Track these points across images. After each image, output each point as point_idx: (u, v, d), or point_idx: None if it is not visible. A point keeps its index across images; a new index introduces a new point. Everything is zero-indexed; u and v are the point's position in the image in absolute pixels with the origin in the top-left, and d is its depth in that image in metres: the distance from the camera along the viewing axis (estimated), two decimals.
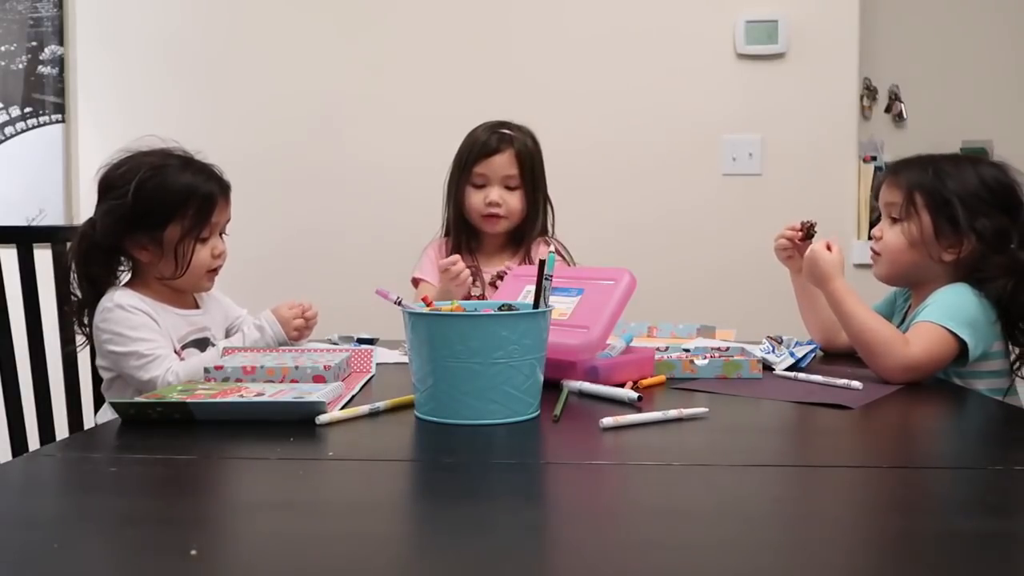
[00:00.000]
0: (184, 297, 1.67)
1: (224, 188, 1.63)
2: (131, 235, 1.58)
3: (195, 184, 1.58)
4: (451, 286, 1.80)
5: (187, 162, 1.60)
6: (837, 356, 1.68)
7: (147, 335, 1.54)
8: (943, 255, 1.53)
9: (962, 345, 1.44)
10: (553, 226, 2.07)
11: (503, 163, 1.96)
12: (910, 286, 1.64)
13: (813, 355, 1.57)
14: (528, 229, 2.00)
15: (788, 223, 1.75)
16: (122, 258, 1.63)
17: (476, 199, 1.97)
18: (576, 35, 2.68)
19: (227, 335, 1.74)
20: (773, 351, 1.54)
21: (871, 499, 0.87)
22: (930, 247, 1.53)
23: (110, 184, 1.58)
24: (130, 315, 1.55)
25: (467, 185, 1.99)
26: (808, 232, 1.70)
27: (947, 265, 1.54)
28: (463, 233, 2.03)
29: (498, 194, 1.96)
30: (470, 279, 1.82)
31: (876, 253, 1.61)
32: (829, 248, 1.55)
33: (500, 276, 1.87)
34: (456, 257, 1.83)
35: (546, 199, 2.04)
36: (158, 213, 1.56)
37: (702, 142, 2.66)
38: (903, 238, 1.55)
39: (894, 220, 1.58)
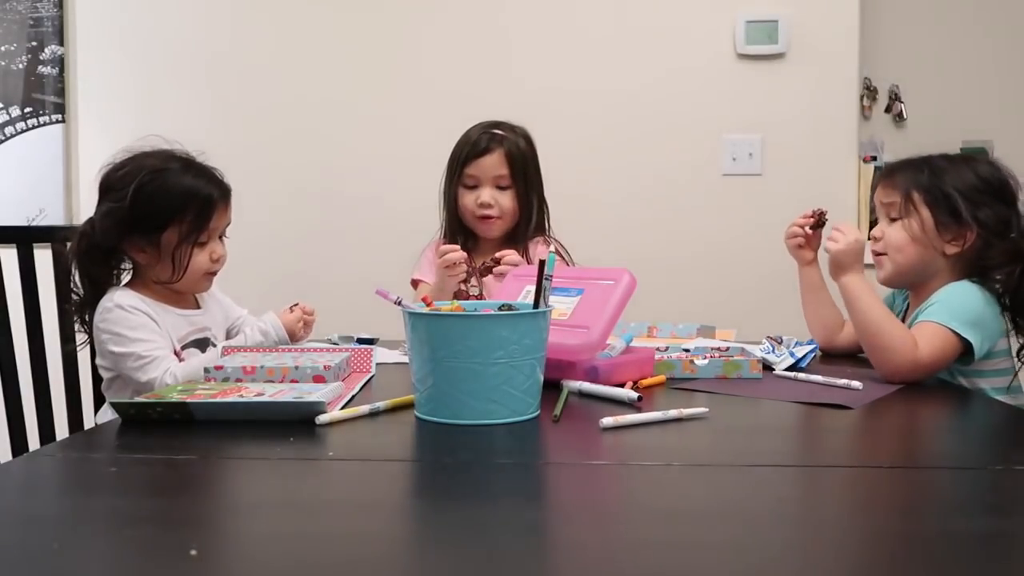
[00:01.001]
0: (185, 297, 1.67)
1: (224, 192, 1.62)
2: (129, 237, 1.57)
3: (194, 188, 1.57)
4: (445, 274, 1.81)
5: (188, 165, 1.60)
6: (837, 356, 1.68)
7: (146, 336, 1.54)
8: (946, 248, 1.54)
9: (966, 344, 1.45)
10: (549, 225, 2.07)
11: (493, 163, 1.95)
12: (915, 286, 1.63)
13: (813, 355, 1.57)
14: (523, 229, 2.00)
15: (788, 223, 1.76)
16: (121, 259, 1.63)
17: (468, 200, 1.97)
18: (576, 35, 2.68)
19: (227, 335, 1.74)
20: (773, 351, 1.54)
21: (871, 499, 0.87)
22: (933, 240, 1.54)
23: (110, 185, 1.58)
24: (129, 315, 1.55)
25: (459, 186, 1.99)
26: (819, 220, 1.70)
27: (950, 259, 1.55)
28: (459, 234, 2.02)
29: (490, 194, 1.96)
30: (464, 271, 1.82)
31: (879, 254, 1.61)
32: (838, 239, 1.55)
33: (496, 261, 1.86)
34: (456, 246, 1.85)
35: (541, 199, 2.04)
36: (156, 217, 1.55)
37: (702, 142, 2.66)
38: (905, 233, 1.56)
39: (893, 220, 1.58)
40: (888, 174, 1.63)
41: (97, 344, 1.59)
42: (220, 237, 1.65)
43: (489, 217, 1.96)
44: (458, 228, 2.03)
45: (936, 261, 1.56)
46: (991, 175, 1.56)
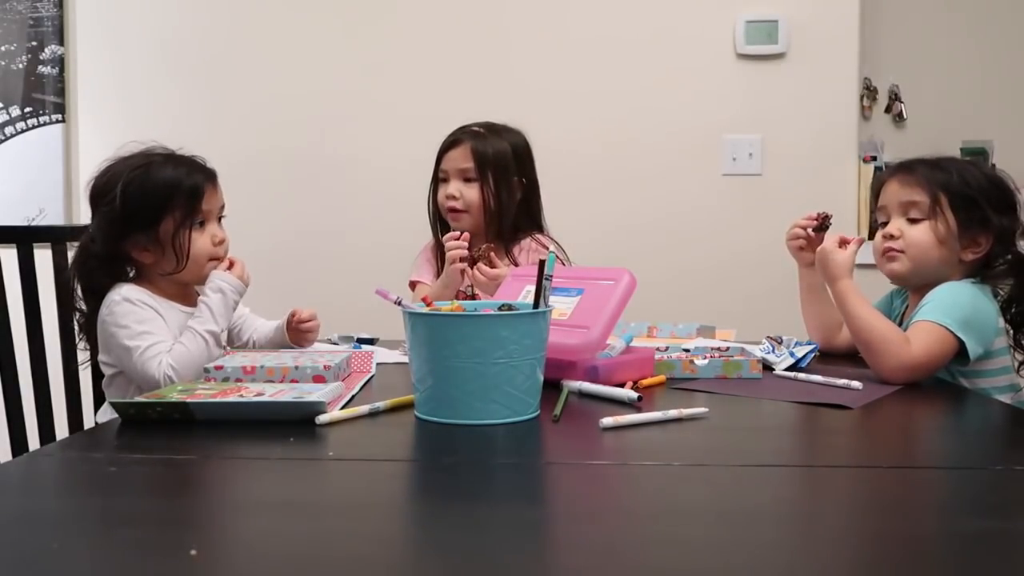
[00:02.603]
0: (188, 294, 1.67)
1: (209, 175, 1.63)
2: (129, 238, 1.58)
3: (178, 176, 1.59)
4: (449, 260, 1.85)
5: (168, 157, 1.62)
6: (836, 356, 1.68)
7: (152, 329, 1.54)
8: (963, 254, 1.55)
9: (962, 344, 1.45)
10: (542, 222, 2.06)
11: (458, 156, 1.98)
12: (921, 288, 1.62)
13: (813, 355, 1.57)
14: (504, 225, 1.99)
15: (788, 223, 1.75)
16: (124, 266, 1.63)
17: (440, 194, 2.01)
18: (576, 35, 2.68)
19: (229, 335, 1.74)
20: (773, 351, 1.54)
21: (871, 499, 0.87)
22: (953, 247, 1.54)
23: (99, 193, 1.59)
24: (137, 309, 1.55)
25: (438, 181, 2.02)
26: (823, 223, 1.70)
27: (963, 265, 1.55)
28: (442, 230, 2.04)
29: (455, 187, 1.98)
30: (462, 261, 1.83)
31: (896, 251, 1.58)
32: (843, 245, 1.57)
33: (487, 250, 1.85)
34: (457, 233, 1.87)
35: (535, 197, 2.03)
36: (149, 210, 1.57)
37: (702, 142, 2.66)
38: (932, 235, 1.55)
39: (913, 220, 1.57)
40: (906, 170, 1.60)
41: (102, 339, 1.59)
42: (219, 221, 1.65)
43: (455, 209, 1.98)
44: (439, 224, 2.05)
45: (952, 266, 1.56)
46: (1000, 180, 1.57)
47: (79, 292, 1.61)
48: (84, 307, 1.62)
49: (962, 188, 1.54)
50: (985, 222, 1.53)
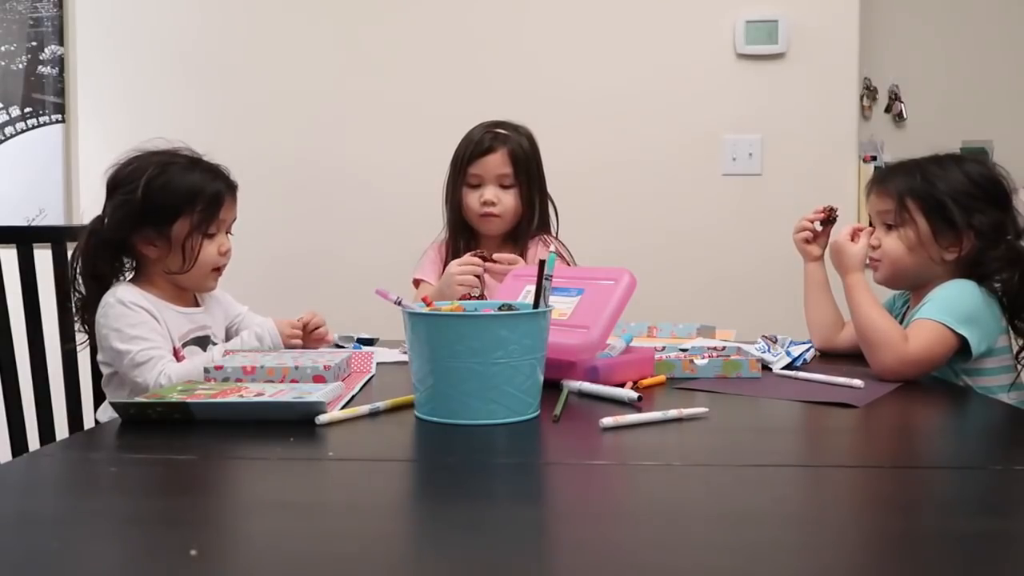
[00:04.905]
0: (186, 295, 1.67)
1: (231, 186, 1.65)
2: (140, 230, 1.59)
3: (202, 182, 1.60)
4: (454, 283, 1.79)
5: (194, 161, 1.63)
6: (836, 356, 1.68)
7: (145, 334, 1.54)
8: (944, 255, 1.54)
9: (963, 341, 1.45)
10: (558, 224, 2.07)
11: (496, 162, 1.96)
12: (913, 289, 1.64)
13: (809, 354, 1.57)
14: (525, 227, 2.00)
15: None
16: (127, 257, 1.64)
17: (472, 199, 1.98)
18: (576, 35, 2.68)
19: (227, 333, 1.74)
20: (768, 350, 1.54)
21: (872, 499, 0.87)
22: (930, 249, 1.54)
23: (119, 182, 1.60)
24: (130, 312, 1.55)
25: (463, 186, 1.99)
26: (829, 216, 1.71)
27: (948, 264, 1.55)
28: (461, 234, 2.03)
29: (493, 193, 1.96)
30: (471, 289, 1.80)
31: (876, 260, 1.61)
32: (855, 236, 1.58)
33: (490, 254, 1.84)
34: (475, 266, 1.81)
35: (545, 198, 2.03)
36: (167, 209, 1.58)
37: (702, 142, 2.66)
38: (901, 244, 1.56)
39: (889, 227, 1.59)
40: (880, 181, 1.63)
41: (98, 339, 1.59)
42: (227, 232, 1.66)
43: (491, 215, 1.97)
44: (461, 227, 2.03)
45: (934, 267, 1.56)
46: (982, 176, 1.55)
47: (80, 276, 1.61)
48: (83, 290, 1.62)
49: (929, 191, 1.54)
50: (957, 221, 1.52)
